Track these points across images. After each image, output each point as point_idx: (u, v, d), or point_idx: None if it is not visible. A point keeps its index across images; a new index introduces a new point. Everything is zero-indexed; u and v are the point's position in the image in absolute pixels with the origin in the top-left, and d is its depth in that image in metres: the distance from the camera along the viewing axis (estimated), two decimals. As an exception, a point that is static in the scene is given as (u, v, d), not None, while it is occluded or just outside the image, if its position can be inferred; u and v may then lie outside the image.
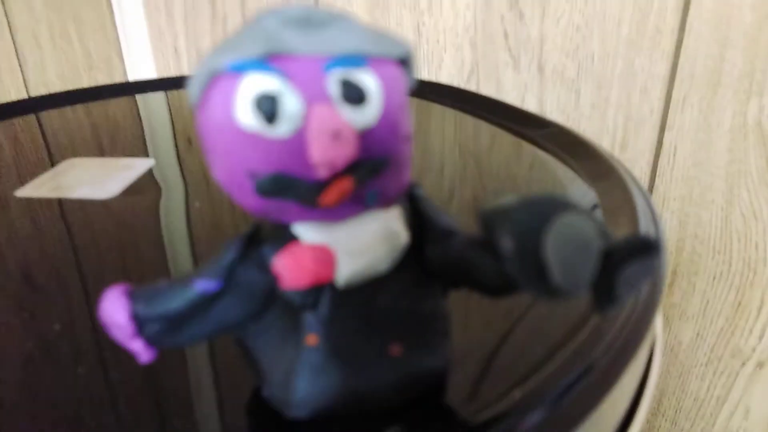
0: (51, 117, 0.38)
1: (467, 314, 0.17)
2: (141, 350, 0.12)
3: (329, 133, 0.10)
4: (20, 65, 0.63)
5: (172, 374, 0.16)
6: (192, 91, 0.11)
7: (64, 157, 0.31)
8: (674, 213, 0.45)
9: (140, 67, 0.71)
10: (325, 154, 0.10)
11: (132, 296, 0.12)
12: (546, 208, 0.10)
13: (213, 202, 0.26)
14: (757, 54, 0.38)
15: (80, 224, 0.24)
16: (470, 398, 0.14)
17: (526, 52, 0.47)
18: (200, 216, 0.25)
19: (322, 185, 0.11)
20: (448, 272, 0.13)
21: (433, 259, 0.13)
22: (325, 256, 0.12)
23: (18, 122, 0.37)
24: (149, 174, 0.28)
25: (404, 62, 0.12)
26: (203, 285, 0.12)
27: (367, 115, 0.11)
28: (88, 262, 0.21)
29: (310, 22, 0.11)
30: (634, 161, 0.45)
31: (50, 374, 0.16)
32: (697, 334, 0.47)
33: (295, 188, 0.11)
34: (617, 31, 0.43)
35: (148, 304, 0.12)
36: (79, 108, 0.40)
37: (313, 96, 0.10)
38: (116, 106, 0.40)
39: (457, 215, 0.24)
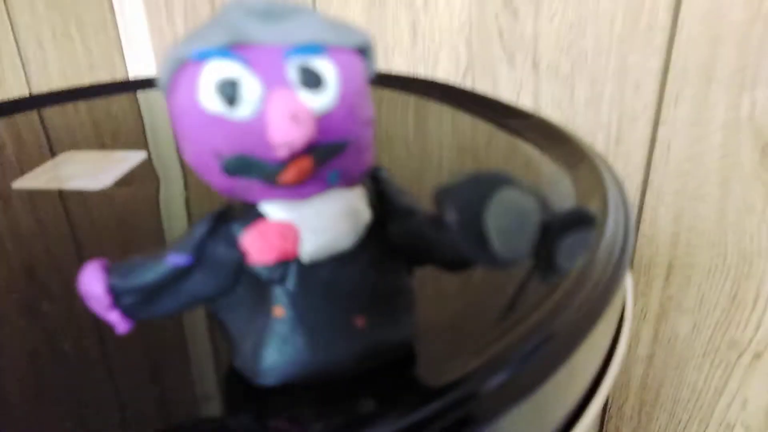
0: (53, 113, 0.39)
1: (432, 288, 0.17)
2: (118, 321, 0.13)
3: (288, 115, 0.11)
4: (23, 64, 0.64)
5: (147, 344, 0.16)
6: (161, 78, 0.12)
7: (74, 150, 0.32)
8: (669, 207, 0.45)
9: (141, 65, 0.72)
10: (284, 135, 0.11)
11: (109, 270, 0.13)
12: (488, 183, 0.11)
13: (211, 195, 0.27)
14: (749, 49, 0.38)
15: (74, 213, 0.25)
16: (432, 367, 0.15)
17: (520, 49, 0.48)
18: (198, 208, 0.26)
19: (282, 165, 0.11)
20: (409, 249, 0.14)
21: (395, 236, 0.14)
22: (289, 233, 0.13)
23: (20, 118, 0.38)
24: (142, 166, 0.29)
25: (363, 51, 0.13)
26: (175, 259, 0.13)
27: (325, 99, 0.11)
28: (86, 250, 0.22)
29: (273, 13, 0.12)
30: (628, 156, 0.46)
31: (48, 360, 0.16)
32: (694, 326, 0.47)
33: (258, 167, 0.11)
34: (610, 28, 0.43)
35: (123, 277, 0.13)
36: (81, 105, 0.41)
37: (273, 81, 0.11)
38: (117, 102, 0.41)
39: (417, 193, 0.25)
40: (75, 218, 0.25)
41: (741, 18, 0.38)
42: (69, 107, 0.40)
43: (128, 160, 0.29)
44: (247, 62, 0.11)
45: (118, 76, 0.72)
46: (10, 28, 0.62)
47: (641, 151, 0.45)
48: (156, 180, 0.28)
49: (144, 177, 0.28)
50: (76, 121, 0.38)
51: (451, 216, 0.11)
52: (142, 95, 0.43)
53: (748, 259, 0.43)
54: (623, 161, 0.46)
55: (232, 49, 0.11)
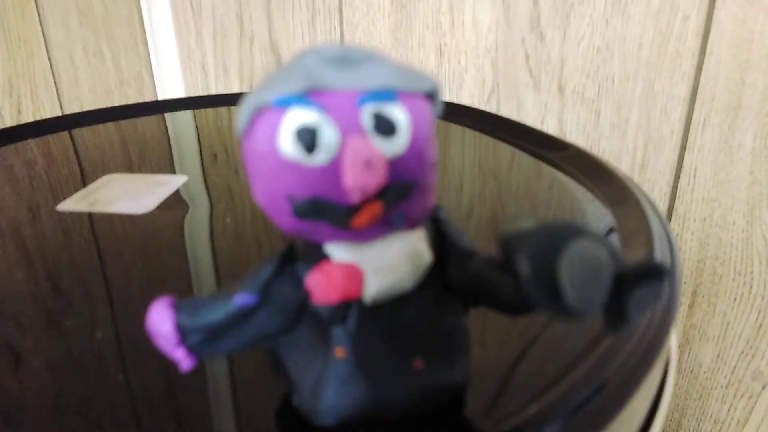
0: (83, 134, 0.40)
1: (487, 331, 0.18)
2: (183, 358, 0.13)
3: (362, 162, 0.11)
4: (55, 81, 0.66)
5: (205, 381, 0.17)
6: (239, 122, 0.12)
7: (95, 173, 0.32)
8: (695, 234, 0.45)
9: (169, 83, 0.73)
10: (358, 181, 0.11)
11: (177, 308, 0.13)
12: (561, 233, 0.11)
13: (236, 215, 0.27)
14: (778, 77, 0.38)
15: (115, 239, 0.25)
16: (487, 411, 0.15)
17: (546, 72, 0.48)
18: (225, 231, 0.26)
19: (354, 209, 0.12)
20: (469, 291, 0.14)
21: (454, 278, 0.14)
22: (354, 274, 0.13)
23: (52, 139, 0.38)
24: (177, 191, 0.30)
25: (431, 96, 0.13)
26: (242, 299, 0.13)
27: (397, 145, 0.12)
28: (121, 275, 0.23)
29: (346, 60, 0.12)
30: (654, 182, 0.45)
31: (77, 382, 0.17)
32: (718, 356, 0.46)
33: (330, 212, 0.12)
34: (637, 53, 0.43)
35: (191, 316, 0.13)
36: (111, 125, 0.41)
37: (348, 128, 0.11)
38: (146, 123, 0.42)
39: (476, 232, 0.25)
40: (121, 243, 0.25)
41: (771, 47, 0.38)
42: (99, 128, 0.41)
43: (170, 183, 0.30)
44: (325, 109, 0.11)
45: (147, 94, 0.74)
46: (43, 44, 0.63)
47: (667, 177, 0.45)
48: (191, 205, 0.28)
49: (180, 202, 0.28)
50: (106, 141, 0.38)
51: (523, 265, 0.11)
52: (169, 116, 0.43)
53: (774, 288, 0.43)
54: (649, 187, 0.46)
55: (309, 96, 0.11)
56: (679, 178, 0.45)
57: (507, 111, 0.51)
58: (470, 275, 0.13)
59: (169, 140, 0.39)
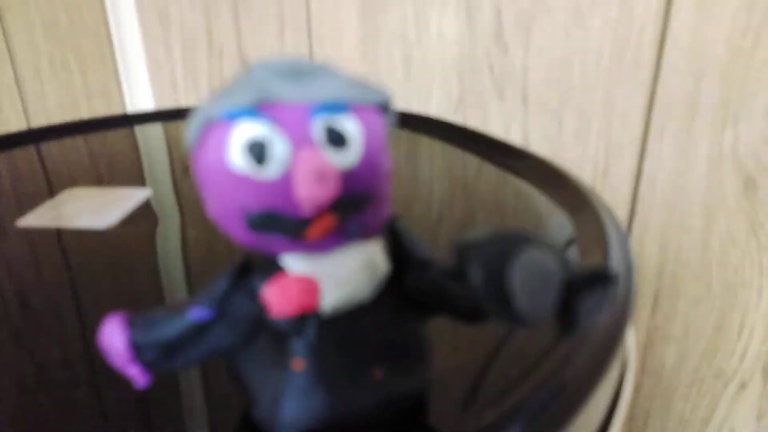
0: (50, 148, 0.39)
1: (445, 339, 0.18)
2: (138, 375, 0.13)
3: (314, 174, 0.11)
4: (20, 95, 0.64)
5: (164, 396, 0.16)
6: (189, 136, 0.12)
7: (63, 188, 0.31)
8: (655, 238, 0.46)
9: (138, 97, 0.72)
10: (310, 194, 0.11)
11: (130, 324, 0.13)
12: (511, 242, 0.11)
13: (208, 230, 0.27)
14: (732, 85, 0.40)
15: (77, 253, 0.25)
16: (447, 419, 0.15)
17: (510, 83, 0.49)
18: (195, 244, 0.26)
19: (307, 221, 0.12)
20: (426, 300, 0.14)
21: (411, 287, 0.14)
22: (310, 287, 0.13)
23: (18, 153, 0.37)
24: (147, 203, 0.29)
25: (383, 108, 0.13)
26: (197, 314, 0.13)
27: (349, 157, 0.12)
28: (84, 290, 0.22)
29: (297, 72, 0.12)
30: (615, 188, 0.47)
31: (45, 400, 0.16)
32: (680, 356, 0.48)
33: (283, 224, 0.12)
34: (597, 63, 0.45)
35: (144, 332, 0.13)
36: (79, 139, 0.41)
37: (299, 140, 0.11)
38: (115, 137, 0.41)
39: (445, 239, 0.25)
40: (79, 259, 0.24)
41: (724, 54, 0.39)
42: (67, 141, 0.40)
43: (132, 197, 0.29)
44: (275, 122, 0.11)
45: (115, 107, 0.72)
46: (8, 58, 0.62)
47: (628, 183, 0.46)
48: (161, 218, 0.28)
49: (149, 215, 0.28)
50: (74, 155, 0.38)
51: (475, 273, 0.11)
52: (139, 129, 0.43)
53: (732, 289, 0.44)
54: (611, 193, 0.47)
55: (260, 109, 0.11)
56: (639, 184, 0.46)
57: (473, 121, 0.51)
58: (427, 284, 0.14)
59: (138, 153, 0.39)
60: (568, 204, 0.25)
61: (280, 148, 0.11)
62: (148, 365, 0.13)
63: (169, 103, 0.72)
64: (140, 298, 0.22)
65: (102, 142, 0.40)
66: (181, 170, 0.35)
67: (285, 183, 0.11)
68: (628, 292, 0.18)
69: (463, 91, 0.51)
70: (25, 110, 0.65)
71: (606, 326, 0.17)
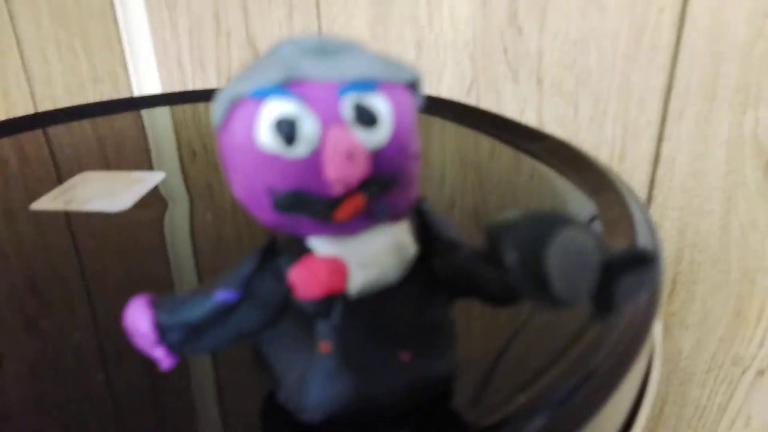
0: (58, 131, 0.39)
1: (473, 322, 0.17)
2: (163, 357, 0.13)
3: (344, 153, 0.11)
4: (27, 79, 0.64)
5: (188, 379, 0.16)
6: (215, 115, 0.11)
7: (70, 171, 0.31)
8: (673, 223, 0.45)
9: (145, 80, 0.72)
10: (339, 173, 0.11)
11: (155, 305, 0.13)
12: (547, 223, 0.11)
13: (216, 212, 0.27)
14: (752, 67, 0.39)
15: (91, 237, 0.25)
16: (475, 403, 0.15)
17: (524, 66, 0.48)
18: (204, 229, 0.25)
19: (336, 201, 0.11)
20: (454, 283, 0.14)
21: (439, 270, 0.14)
22: (338, 268, 0.12)
23: (25, 137, 0.37)
24: (161, 186, 0.29)
25: (412, 86, 0.13)
26: (223, 295, 0.13)
27: (379, 135, 0.11)
28: (98, 274, 0.22)
29: (325, 50, 0.12)
30: (632, 172, 0.46)
31: (57, 384, 0.16)
32: (698, 342, 0.47)
33: (311, 204, 0.11)
34: (614, 45, 0.44)
35: (170, 313, 0.12)
36: (86, 123, 0.40)
37: (329, 119, 0.11)
38: (122, 120, 0.41)
39: (458, 224, 0.25)
40: (97, 242, 0.24)
41: (744, 36, 0.38)
42: (74, 125, 0.40)
43: (146, 180, 0.29)
44: (304, 100, 0.11)
45: (122, 90, 0.72)
46: (15, 42, 0.62)
47: (645, 167, 0.46)
48: (169, 202, 0.28)
49: (162, 199, 0.28)
50: (81, 139, 0.38)
51: (510, 256, 0.11)
52: (146, 113, 0.42)
53: (751, 275, 0.44)
54: (627, 177, 0.46)
55: (289, 87, 0.11)
56: (657, 168, 0.45)
57: (486, 104, 0.51)
58: (455, 267, 0.13)
59: (146, 137, 0.39)
60: (589, 186, 0.25)
61: (309, 127, 0.11)
62: (173, 347, 0.13)
63: (176, 87, 0.71)
64: (151, 282, 0.22)
65: (109, 126, 0.40)
66: (189, 154, 0.35)
67: (314, 162, 0.11)
68: (657, 274, 0.18)
69: (476, 74, 0.50)
70: (32, 94, 0.65)
71: (634, 311, 0.16)
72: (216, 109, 0.11)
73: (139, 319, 0.12)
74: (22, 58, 0.63)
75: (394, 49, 0.53)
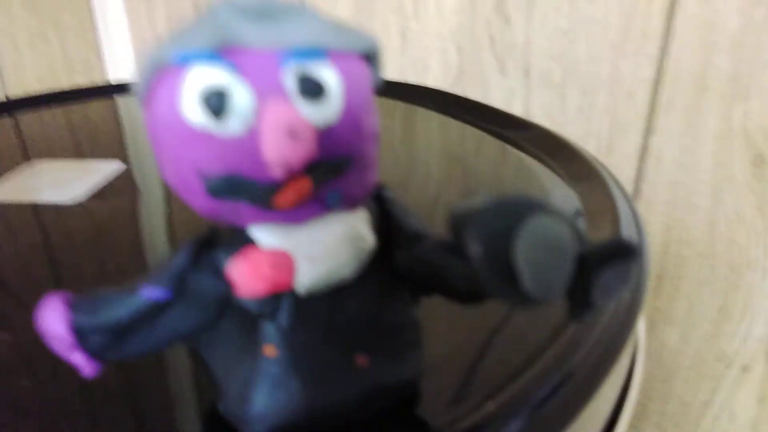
0: (28, 119, 0.37)
1: (439, 321, 0.16)
2: (83, 363, 0.11)
3: (284, 129, 0.09)
4: (-2, 68, 0.62)
5: (122, 385, 0.15)
6: (137, 84, 0.10)
7: (41, 160, 0.30)
8: (659, 217, 0.44)
9: (121, 70, 0.70)
10: (280, 153, 0.09)
11: (72, 305, 0.11)
12: (517, 210, 0.09)
13: (187, 209, 0.25)
14: (743, 58, 0.38)
15: (42, 228, 0.23)
16: (443, 411, 0.13)
17: (511, 56, 0.47)
18: (178, 219, 0.24)
19: (277, 186, 0.10)
20: (418, 277, 0.12)
21: (401, 263, 0.12)
22: (283, 262, 0.11)
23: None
24: (121, 177, 0.27)
25: (369, 57, 0.11)
26: (150, 293, 0.11)
27: (327, 111, 0.10)
28: (46, 267, 0.21)
29: (267, 13, 0.10)
30: (619, 165, 0.45)
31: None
32: (682, 338, 0.46)
33: (248, 189, 0.10)
34: (603, 35, 0.43)
35: (89, 314, 0.11)
36: (57, 110, 0.39)
37: (267, 90, 0.10)
38: (95, 108, 0.39)
39: (442, 219, 0.23)
40: (40, 236, 0.23)
41: (735, 26, 0.37)
42: (45, 112, 0.38)
43: (103, 170, 0.27)
44: (238, 68, 0.09)
45: (97, 80, 0.70)
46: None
47: (632, 160, 0.45)
48: (134, 193, 0.26)
49: (121, 189, 0.26)
50: (52, 127, 0.36)
51: (475, 247, 0.09)
52: (121, 100, 0.40)
53: (736, 270, 0.43)
54: (614, 170, 0.45)
55: (220, 53, 0.10)
56: (644, 161, 0.44)
57: (472, 95, 0.49)
58: (418, 260, 0.12)
59: (120, 125, 0.37)
60: (573, 175, 0.23)
61: (243, 99, 0.09)
62: (95, 352, 0.11)
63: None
64: (102, 277, 0.20)
65: (82, 113, 0.38)
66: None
67: (250, 140, 0.10)
68: (641, 269, 0.16)
69: (462, 65, 0.49)
70: (3, 83, 0.62)
71: (617, 308, 0.15)
72: (138, 76, 0.10)
73: (53, 320, 0.11)
74: (-8, 46, 0.61)
75: (379, 38, 0.52)
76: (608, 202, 0.20)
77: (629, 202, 0.20)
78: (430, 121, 0.36)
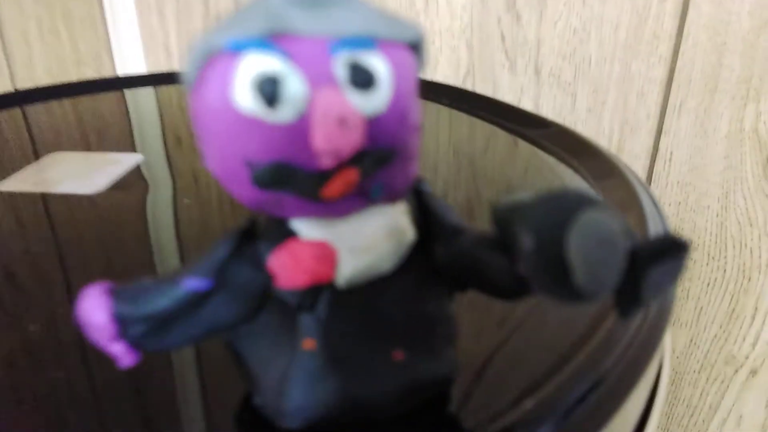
0: (37, 111, 0.37)
1: (474, 318, 0.16)
2: (123, 353, 0.11)
3: (335, 118, 0.09)
4: (7, 61, 0.62)
5: (156, 378, 0.15)
6: (186, 71, 0.10)
7: (49, 152, 0.29)
8: (669, 218, 0.44)
9: (130, 64, 0.70)
10: (329, 142, 0.09)
11: (114, 295, 0.11)
12: (568, 204, 0.09)
13: (201, 199, 0.25)
14: (755, 60, 0.38)
15: (64, 219, 0.23)
16: (477, 408, 0.13)
17: (522, 54, 0.47)
18: (188, 213, 0.24)
19: (325, 176, 0.10)
20: (457, 272, 0.12)
21: (440, 257, 0.12)
22: (325, 254, 0.11)
23: (2, 116, 0.35)
24: (137, 170, 0.27)
25: (415, 47, 0.11)
26: (192, 283, 0.11)
27: (376, 101, 0.10)
28: (72, 258, 0.20)
29: (317, 1, 0.10)
30: (630, 165, 0.45)
31: (30, 376, 0.15)
32: (691, 341, 0.46)
33: (296, 179, 0.10)
34: (614, 35, 0.42)
35: (131, 304, 0.11)
36: (66, 102, 0.38)
37: (318, 79, 0.09)
38: (104, 101, 0.39)
39: (457, 210, 0.23)
40: (65, 227, 0.22)
41: (747, 27, 0.37)
42: (54, 104, 0.38)
43: (121, 162, 0.27)
44: (290, 56, 0.09)
45: (106, 74, 0.70)
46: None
47: (643, 161, 0.44)
48: (152, 186, 0.26)
49: (140, 181, 0.26)
50: (61, 119, 0.36)
51: (526, 240, 0.09)
52: (129, 93, 0.40)
53: (747, 273, 0.43)
54: (624, 171, 0.45)
55: (272, 41, 0.09)
56: (654, 162, 0.44)
57: (482, 93, 0.49)
58: (458, 254, 0.12)
59: (129, 119, 0.37)
60: (592, 172, 0.23)
61: (295, 87, 0.09)
62: (135, 342, 0.11)
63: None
64: (130, 268, 0.20)
65: (91, 106, 0.38)
66: (173, 138, 0.33)
67: (300, 129, 0.09)
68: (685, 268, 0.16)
69: (472, 62, 0.49)
70: (12, 76, 0.62)
71: (647, 309, 0.15)
72: (188, 64, 0.10)
73: (95, 309, 0.11)
74: (2, 39, 0.60)
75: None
76: (632, 198, 0.19)
77: (652, 197, 0.20)
78: (441, 116, 0.35)
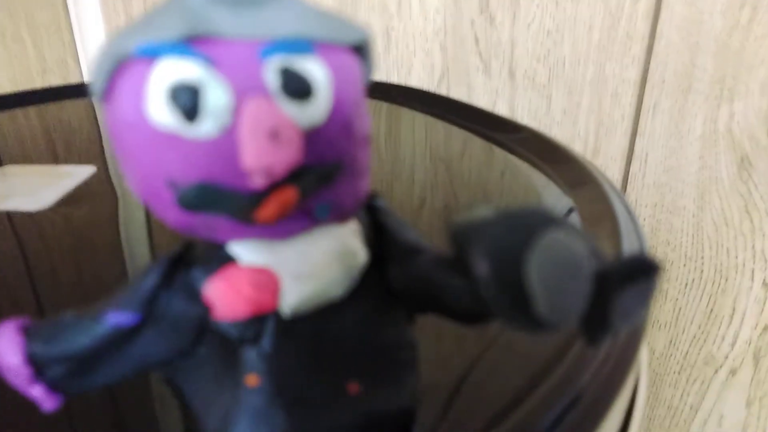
0: (1, 120, 0.35)
1: (437, 342, 0.15)
2: (42, 397, 0.10)
3: (265, 132, 0.08)
4: (-32, 69, 0.60)
5: (90, 416, 0.13)
6: (94, 80, 0.09)
7: (14, 162, 0.28)
8: (646, 220, 0.44)
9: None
10: (260, 159, 0.08)
11: (29, 334, 0.10)
12: (528, 223, 0.08)
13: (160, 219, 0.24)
14: (728, 60, 0.38)
15: (5, 237, 0.22)
16: (442, 439, 0.12)
17: (496, 56, 0.46)
18: (137, 230, 0.22)
19: (258, 197, 0.09)
20: (414, 296, 0.11)
21: (396, 280, 0.11)
22: (266, 281, 0.10)
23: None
24: (93, 182, 0.26)
25: (360, 50, 0.10)
26: (116, 318, 0.10)
27: (314, 111, 0.09)
28: (21, 278, 0.19)
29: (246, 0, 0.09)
30: (605, 167, 0.44)
31: None
32: (670, 342, 0.46)
33: (225, 201, 0.09)
34: (588, 36, 0.42)
35: (48, 343, 0.10)
36: (32, 110, 0.37)
37: (246, 87, 0.08)
38: (71, 109, 0.38)
39: (428, 225, 0.22)
40: (9, 245, 0.21)
41: (720, 27, 0.37)
42: (19, 113, 0.36)
43: (75, 175, 0.26)
44: (212, 62, 0.08)
45: (72, 81, 0.68)
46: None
47: (618, 162, 0.44)
48: (104, 198, 0.25)
49: (91, 195, 0.25)
50: (26, 129, 0.34)
51: (482, 265, 0.08)
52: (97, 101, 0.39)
53: (724, 273, 0.43)
54: (601, 173, 0.45)
55: (192, 44, 0.08)
56: (630, 163, 0.44)
57: (457, 96, 0.49)
58: (415, 276, 0.11)
59: (97, 127, 0.35)
60: (566, 179, 0.22)
61: (218, 96, 0.08)
62: (56, 384, 0.10)
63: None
64: (67, 291, 0.18)
65: (57, 114, 0.36)
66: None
67: (226, 144, 0.08)
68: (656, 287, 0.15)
69: (446, 65, 0.48)
70: (-26, 86, 0.60)
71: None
72: (96, 72, 0.09)
73: (7, 351, 0.09)
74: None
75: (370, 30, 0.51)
76: (605, 208, 0.19)
77: (627, 207, 0.19)
78: (416, 122, 0.35)
